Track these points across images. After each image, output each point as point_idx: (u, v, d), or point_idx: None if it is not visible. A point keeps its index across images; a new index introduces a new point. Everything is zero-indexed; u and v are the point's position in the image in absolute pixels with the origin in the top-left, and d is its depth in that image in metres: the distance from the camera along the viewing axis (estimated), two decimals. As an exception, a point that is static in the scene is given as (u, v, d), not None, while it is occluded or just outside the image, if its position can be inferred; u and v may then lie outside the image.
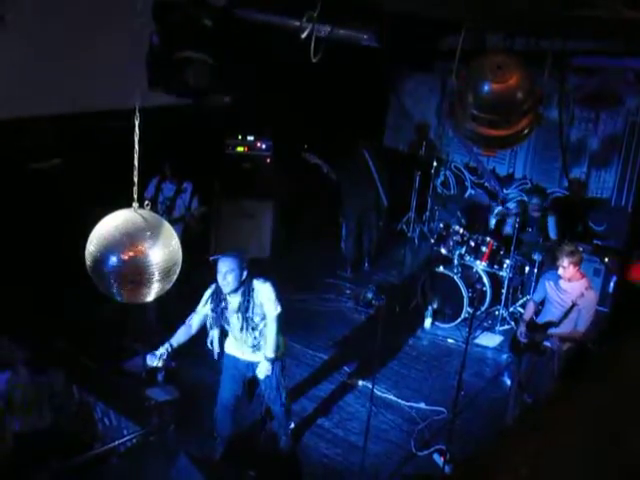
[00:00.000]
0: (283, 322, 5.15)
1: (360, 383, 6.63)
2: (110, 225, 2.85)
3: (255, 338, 5.11)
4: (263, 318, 5.05)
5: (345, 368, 6.84)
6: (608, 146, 8.50)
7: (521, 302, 8.07)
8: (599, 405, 1.30)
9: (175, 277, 2.97)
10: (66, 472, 4.76)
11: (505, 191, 9.37)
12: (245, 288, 4.97)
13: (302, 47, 4.01)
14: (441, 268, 7.93)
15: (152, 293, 2.90)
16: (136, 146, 3.01)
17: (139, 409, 5.63)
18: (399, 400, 6.46)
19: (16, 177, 6.50)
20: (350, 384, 6.65)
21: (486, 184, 9.57)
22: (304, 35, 3.86)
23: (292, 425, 5.70)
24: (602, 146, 8.54)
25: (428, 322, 7.88)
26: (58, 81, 6.12)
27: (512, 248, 7.67)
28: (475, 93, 3.55)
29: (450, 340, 7.67)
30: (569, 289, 5.64)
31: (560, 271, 5.62)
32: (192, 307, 5.12)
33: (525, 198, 8.92)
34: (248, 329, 5.05)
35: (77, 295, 5.49)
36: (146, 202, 3.03)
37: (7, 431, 5.03)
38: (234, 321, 5.08)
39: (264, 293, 4.99)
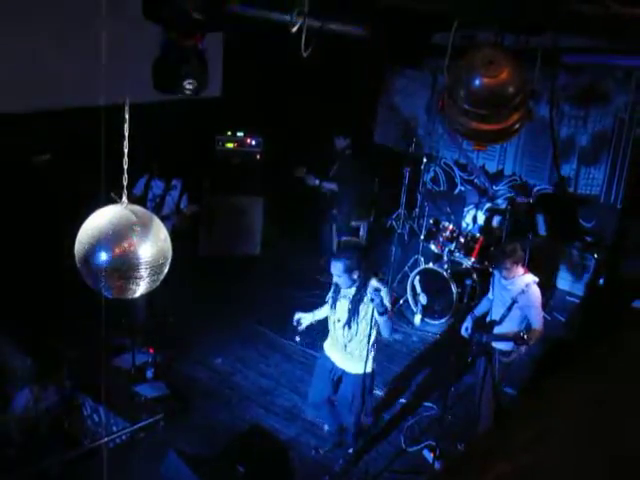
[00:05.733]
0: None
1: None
2: (99, 221, 2.83)
3: (351, 340, 5.18)
4: (367, 321, 5.03)
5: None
6: (597, 143, 8.53)
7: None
8: (598, 395, 1.30)
9: (164, 273, 2.95)
10: (55, 468, 4.74)
11: (494, 187, 9.38)
12: (359, 283, 5.03)
13: (292, 42, 3.99)
14: (431, 264, 7.93)
15: (141, 289, 2.89)
16: (125, 141, 2.99)
17: (128, 405, 5.62)
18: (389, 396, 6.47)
19: (6, 173, 6.45)
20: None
21: (475, 180, 9.58)
22: (294, 29, 3.85)
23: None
24: (591, 143, 8.56)
25: (418, 318, 7.88)
26: (46, 77, 6.08)
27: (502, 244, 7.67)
28: (466, 87, 3.54)
29: (440, 336, 7.68)
30: (509, 285, 5.44)
31: (504, 273, 5.41)
32: (182, 303, 5.02)
33: (514, 195, 8.95)
34: (352, 323, 5.10)
35: (65, 291, 5.46)
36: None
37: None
38: (341, 308, 5.16)
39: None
